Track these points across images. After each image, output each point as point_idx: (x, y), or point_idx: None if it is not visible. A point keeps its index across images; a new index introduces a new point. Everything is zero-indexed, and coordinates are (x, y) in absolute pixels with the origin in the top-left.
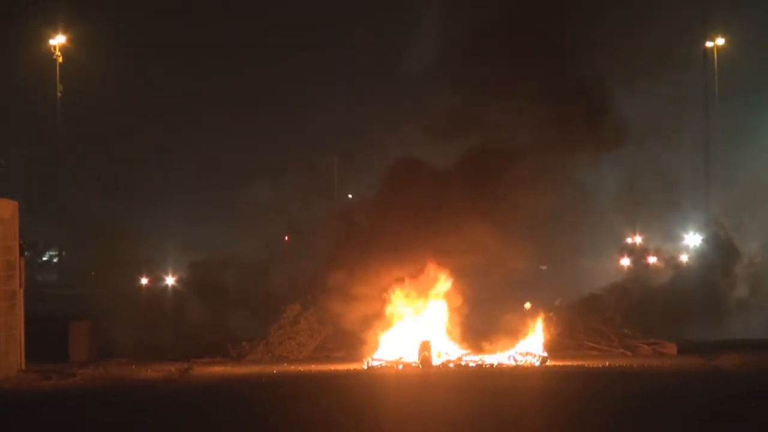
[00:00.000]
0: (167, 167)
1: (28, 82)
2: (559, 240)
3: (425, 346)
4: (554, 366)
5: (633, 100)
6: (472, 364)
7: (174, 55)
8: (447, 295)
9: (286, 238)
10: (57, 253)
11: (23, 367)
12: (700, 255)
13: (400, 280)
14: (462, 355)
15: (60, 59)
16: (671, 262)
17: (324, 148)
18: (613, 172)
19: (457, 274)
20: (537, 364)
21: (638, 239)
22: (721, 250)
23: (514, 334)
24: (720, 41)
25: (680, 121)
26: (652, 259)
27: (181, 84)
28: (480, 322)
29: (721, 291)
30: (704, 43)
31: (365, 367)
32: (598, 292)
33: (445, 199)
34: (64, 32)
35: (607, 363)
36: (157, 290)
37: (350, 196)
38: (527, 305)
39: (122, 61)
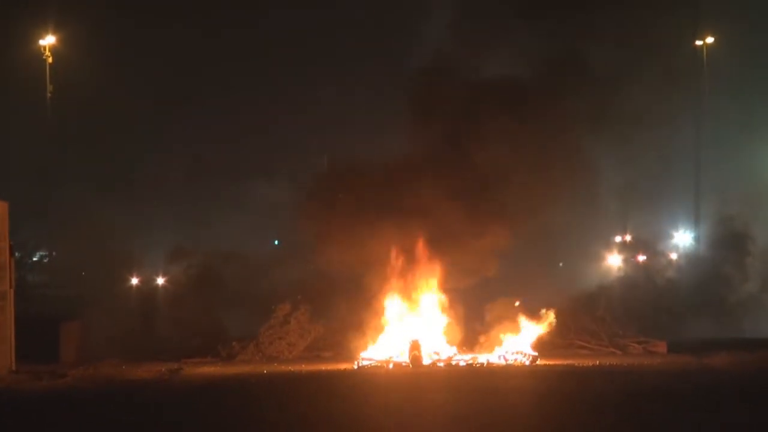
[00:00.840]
0: (163, 167)
1: (19, 82)
2: (553, 236)
3: (415, 346)
4: (545, 365)
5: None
6: (462, 364)
7: (169, 54)
8: (438, 294)
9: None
10: (47, 253)
11: (14, 368)
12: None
13: (390, 279)
14: (452, 354)
15: (50, 59)
16: (666, 260)
17: (318, 148)
18: (603, 171)
19: (449, 272)
20: (527, 363)
21: (628, 237)
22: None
23: (505, 333)
24: (710, 39)
25: (671, 122)
26: (641, 258)
27: (177, 82)
28: (471, 320)
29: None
30: (694, 41)
31: (356, 367)
32: (589, 291)
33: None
34: (54, 32)
35: (598, 362)
36: (148, 290)
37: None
38: (517, 304)
39: (115, 60)
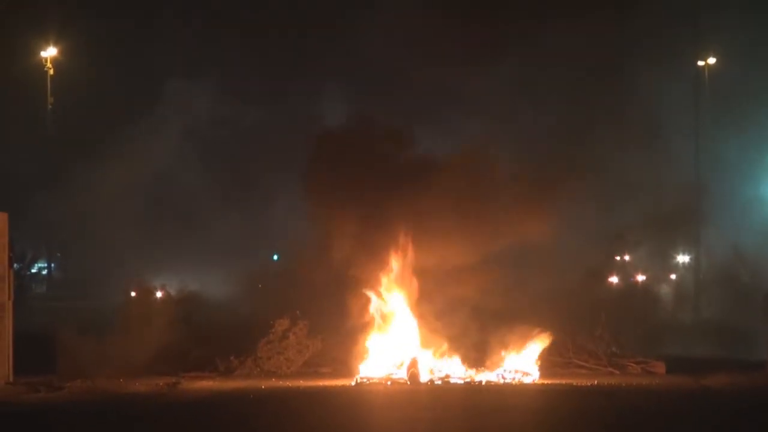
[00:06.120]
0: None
1: (20, 94)
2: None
3: (413, 363)
4: (543, 384)
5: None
6: (460, 381)
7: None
8: (436, 310)
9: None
10: (46, 265)
11: (11, 379)
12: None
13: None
14: (450, 372)
15: (51, 71)
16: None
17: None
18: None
19: (448, 284)
20: (526, 382)
21: (627, 257)
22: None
23: (505, 351)
24: (711, 60)
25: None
26: (641, 278)
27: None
28: (470, 337)
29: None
30: (696, 61)
31: (354, 383)
32: (588, 310)
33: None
34: (56, 44)
35: (596, 381)
36: (148, 303)
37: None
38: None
39: (115, 71)
